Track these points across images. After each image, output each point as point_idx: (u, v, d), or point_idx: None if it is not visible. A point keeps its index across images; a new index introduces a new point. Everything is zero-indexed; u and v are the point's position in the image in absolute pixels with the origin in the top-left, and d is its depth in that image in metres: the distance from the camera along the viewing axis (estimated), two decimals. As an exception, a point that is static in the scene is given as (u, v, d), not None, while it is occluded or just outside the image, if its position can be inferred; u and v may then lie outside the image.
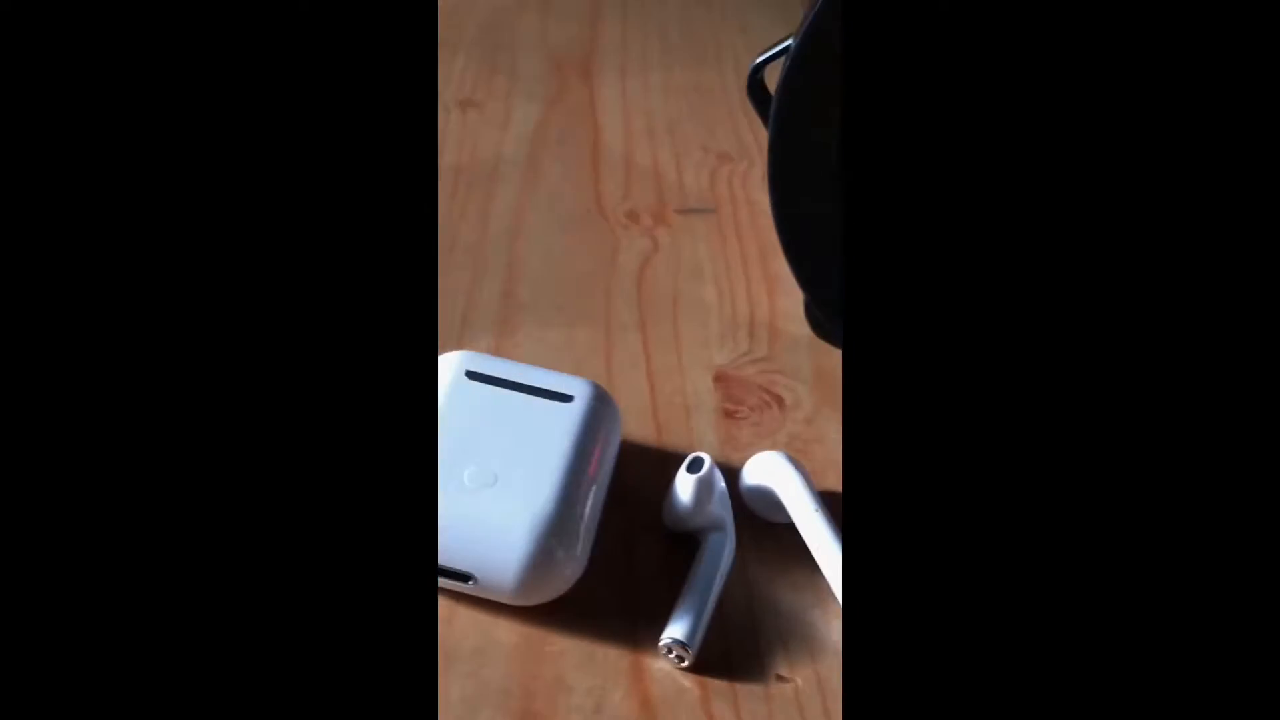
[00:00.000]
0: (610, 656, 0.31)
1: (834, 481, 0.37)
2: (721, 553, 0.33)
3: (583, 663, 0.31)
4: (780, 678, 0.31)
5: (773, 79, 0.39)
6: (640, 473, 0.36)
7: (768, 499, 0.35)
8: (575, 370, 0.40)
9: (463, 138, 0.51)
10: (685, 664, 0.31)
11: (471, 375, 0.34)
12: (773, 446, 0.38)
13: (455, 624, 0.31)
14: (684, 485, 0.33)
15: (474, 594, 0.31)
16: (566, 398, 0.34)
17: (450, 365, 0.35)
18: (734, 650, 0.32)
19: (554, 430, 0.33)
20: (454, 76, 0.55)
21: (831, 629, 0.32)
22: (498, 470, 0.31)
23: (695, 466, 0.33)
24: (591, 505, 0.32)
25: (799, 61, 0.37)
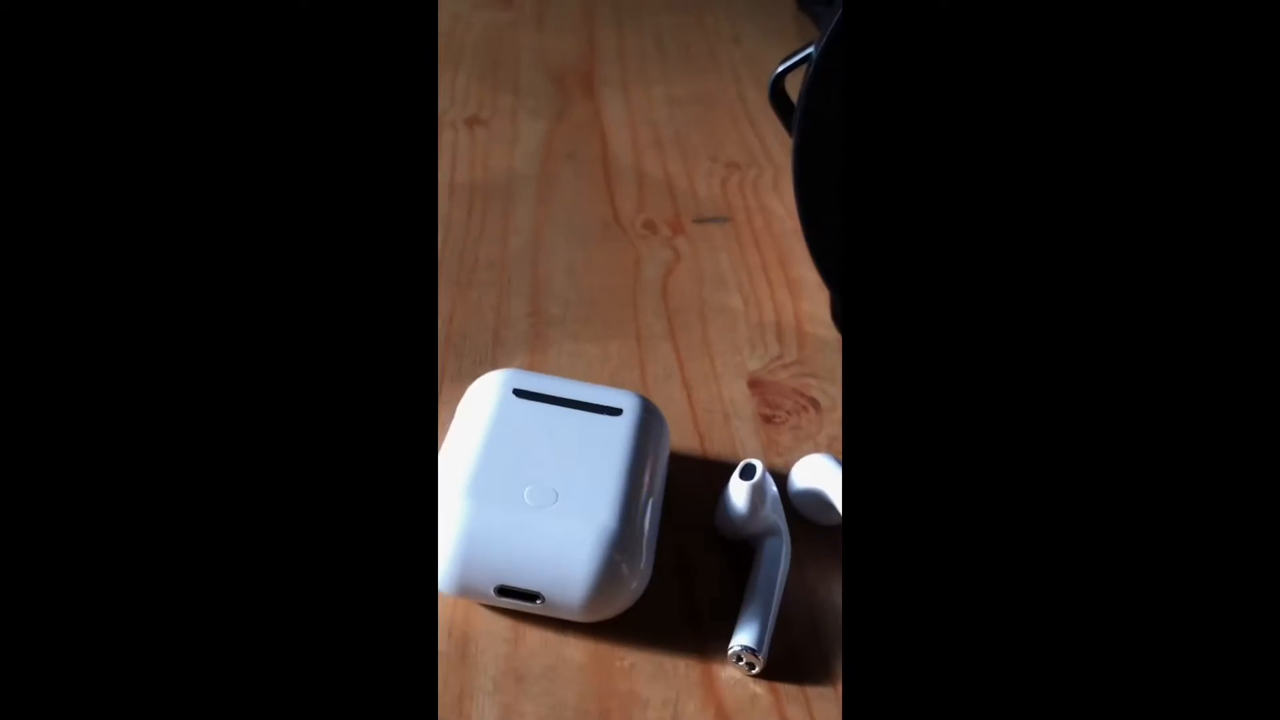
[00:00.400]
0: (680, 667, 0.31)
1: (879, 481, 0.37)
2: (779, 557, 0.33)
3: (654, 676, 0.31)
4: (849, 679, 0.31)
5: (792, 88, 0.40)
6: (688, 481, 0.36)
7: (818, 501, 0.35)
8: (611, 382, 0.40)
9: (473, 156, 0.51)
10: (755, 670, 0.31)
11: (519, 393, 0.34)
12: (815, 449, 0.38)
13: (523, 644, 0.31)
14: (738, 492, 0.33)
15: (540, 613, 0.31)
16: (615, 411, 0.34)
17: (496, 384, 0.35)
18: (800, 654, 0.32)
19: (607, 445, 0.33)
20: (457, 95, 0.55)
21: (894, 628, 0.33)
22: (557, 487, 0.31)
23: (748, 473, 0.33)
24: (651, 517, 0.32)
25: (823, 68, 0.37)
